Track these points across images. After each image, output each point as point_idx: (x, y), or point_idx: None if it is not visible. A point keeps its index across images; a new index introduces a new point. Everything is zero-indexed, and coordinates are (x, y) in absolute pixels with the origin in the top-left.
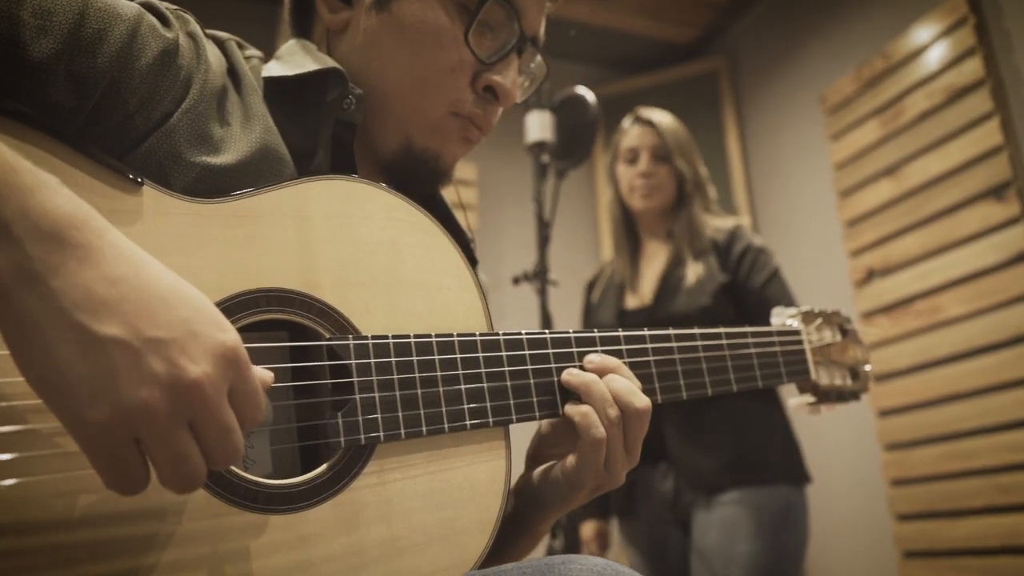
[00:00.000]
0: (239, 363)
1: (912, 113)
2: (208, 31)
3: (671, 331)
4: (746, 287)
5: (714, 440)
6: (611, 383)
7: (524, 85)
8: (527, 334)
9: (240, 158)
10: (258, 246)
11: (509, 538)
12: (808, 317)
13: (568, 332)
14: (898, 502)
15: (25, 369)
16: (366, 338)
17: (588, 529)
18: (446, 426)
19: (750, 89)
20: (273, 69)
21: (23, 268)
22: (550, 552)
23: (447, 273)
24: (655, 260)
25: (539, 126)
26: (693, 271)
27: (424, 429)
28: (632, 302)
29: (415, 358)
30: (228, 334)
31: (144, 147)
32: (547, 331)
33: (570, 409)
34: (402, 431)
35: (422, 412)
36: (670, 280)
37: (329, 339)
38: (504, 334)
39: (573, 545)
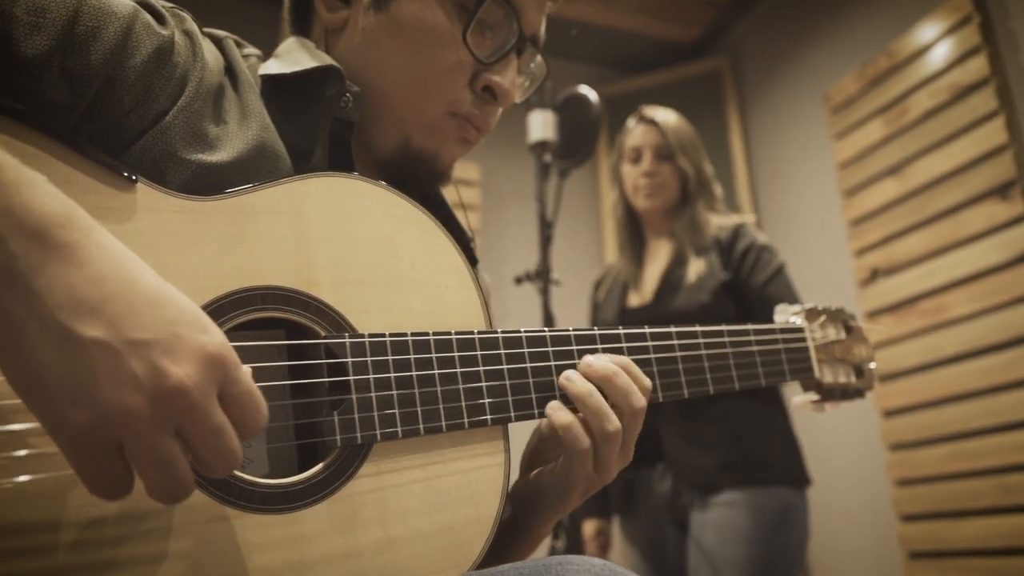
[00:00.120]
0: (226, 365)
1: (916, 112)
2: (206, 29)
3: (672, 329)
4: (748, 285)
5: (711, 439)
6: (616, 379)
7: (524, 85)
8: (526, 332)
9: (236, 155)
10: (254, 243)
11: (508, 541)
12: (812, 314)
13: (568, 330)
14: (903, 502)
15: (5, 370)
16: (363, 336)
17: (589, 528)
18: (444, 425)
19: (753, 88)
20: (271, 67)
21: (5, 267)
22: (552, 552)
23: (446, 271)
24: (658, 258)
25: (542, 125)
26: (694, 269)
27: (421, 428)
28: (634, 300)
29: (412, 356)
30: (213, 336)
31: (139, 145)
32: (546, 329)
33: (554, 417)
34: (399, 430)
35: (419, 411)
36: (671, 278)
37: (325, 337)
38: (503, 332)
39: (575, 545)
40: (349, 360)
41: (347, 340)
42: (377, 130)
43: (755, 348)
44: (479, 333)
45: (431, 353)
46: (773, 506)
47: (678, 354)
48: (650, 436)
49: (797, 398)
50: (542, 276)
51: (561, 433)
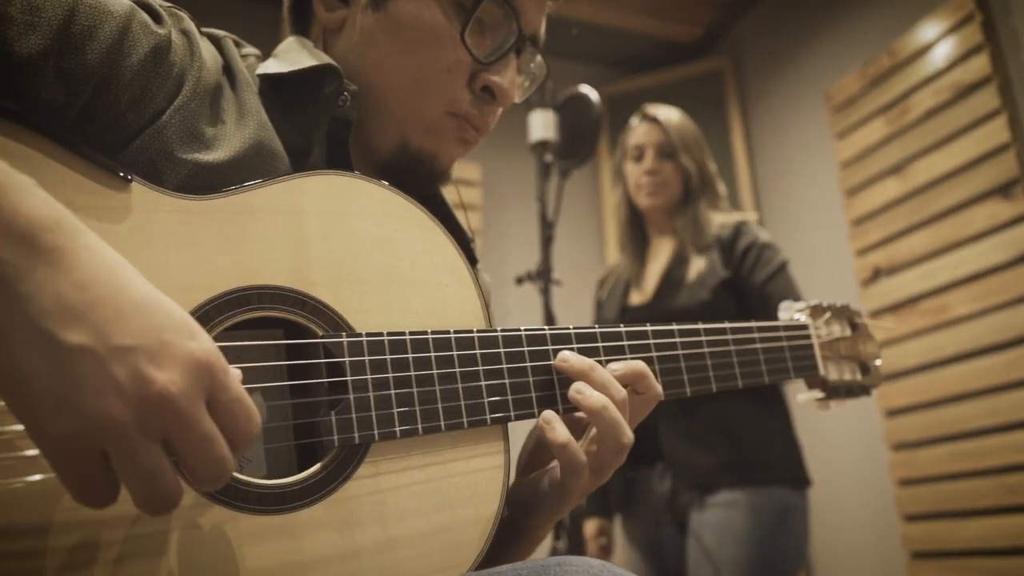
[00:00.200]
0: (214, 371)
1: (918, 111)
2: (204, 29)
3: (674, 327)
4: (748, 283)
5: (710, 438)
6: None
7: (524, 85)
8: (526, 331)
9: (233, 155)
10: (250, 242)
11: (507, 541)
12: (817, 311)
13: (568, 328)
14: (905, 502)
15: None
16: (360, 336)
17: (590, 527)
18: (442, 424)
19: (755, 88)
20: (270, 67)
21: None
22: (553, 552)
23: (444, 270)
24: (660, 257)
25: (542, 125)
26: (695, 267)
27: (420, 427)
28: (635, 299)
29: (410, 355)
30: (201, 342)
31: (136, 144)
32: (546, 327)
33: (550, 436)
34: (397, 430)
35: (417, 410)
36: (672, 276)
37: (322, 337)
38: (502, 331)
39: (576, 546)
40: (346, 360)
41: (344, 339)
42: (375, 130)
43: (759, 345)
44: (478, 332)
45: (429, 352)
46: (772, 506)
47: (680, 352)
48: (649, 435)
49: (802, 396)
50: (543, 276)
51: (557, 451)
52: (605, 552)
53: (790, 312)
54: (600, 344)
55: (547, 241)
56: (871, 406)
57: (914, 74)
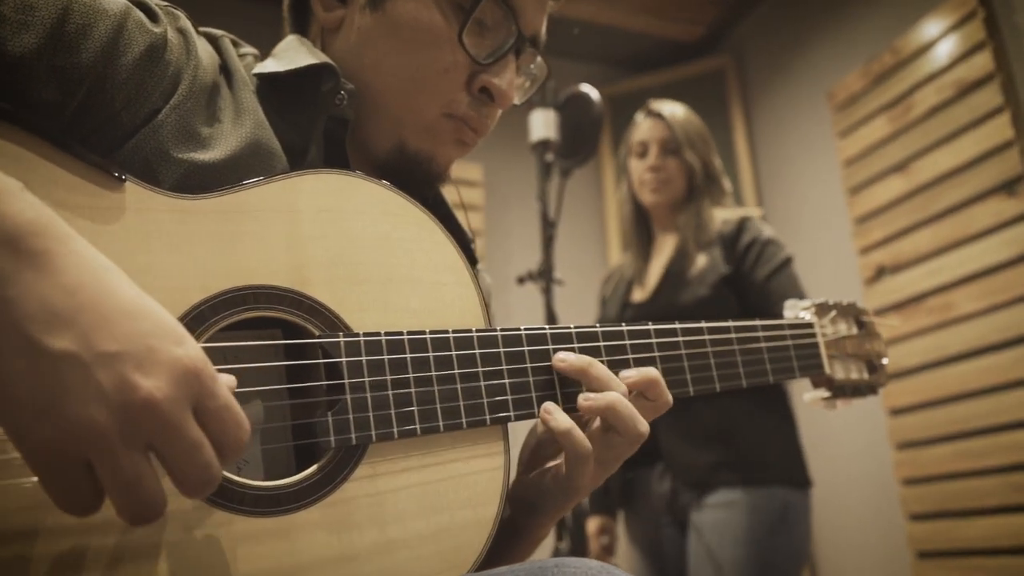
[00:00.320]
0: (201, 378)
1: (921, 109)
2: (202, 28)
3: (677, 325)
4: (750, 279)
5: (708, 437)
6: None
7: (524, 86)
8: (526, 330)
9: (229, 154)
10: (246, 242)
11: (507, 542)
12: (822, 309)
13: (569, 327)
14: (910, 502)
15: None
16: (357, 335)
17: (592, 525)
18: (441, 425)
19: (757, 87)
20: (267, 66)
21: None
22: (556, 553)
23: (443, 269)
24: (663, 253)
25: (543, 125)
26: (696, 263)
27: (418, 428)
28: (637, 295)
29: (408, 355)
30: (187, 348)
31: (131, 144)
32: (547, 326)
33: (552, 423)
34: (395, 430)
35: (416, 411)
36: (673, 272)
37: (318, 337)
38: (502, 330)
39: (579, 547)
40: (343, 360)
41: (341, 339)
42: (373, 130)
43: (763, 344)
44: (477, 331)
45: (428, 352)
46: (771, 506)
47: (683, 351)
48: (649, 435)
49: (807, 395)
50: (544, 276)
51: (560, 439)
52: (607, 551)
53: (795, 310)
54: (601, 343)
55: (548, 241)
56: (875, 405)
57: (917, 72)
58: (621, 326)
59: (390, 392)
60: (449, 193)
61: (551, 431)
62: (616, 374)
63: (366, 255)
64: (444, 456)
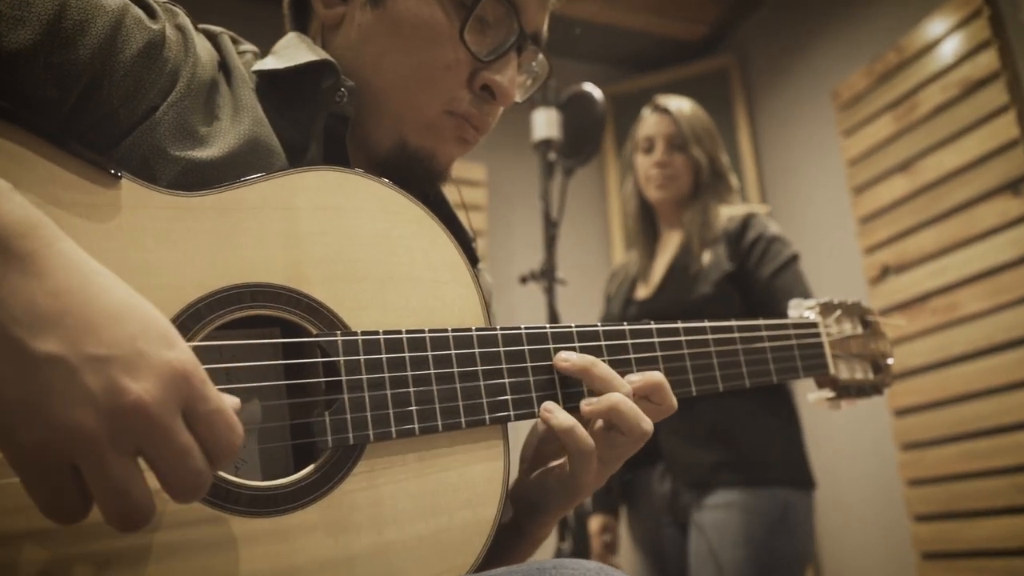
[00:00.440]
0: (191, 382)
1: (926, 107)
2: (201, 25)
3: (679, 324)
4: (754, 277)
5: (708, 436)
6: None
7: (526, 84)
8: (526, 329)
9: (227, 151)
10: (243, 239)
11: (506, 543)
12: (827, 309)
13: (570, 327)
14: (915, 503)
15: None
16: (355, 334)
17: (595, 524)
18: (440, 424)
19: (761, 86)
20: (267, 63)
21: None
22: (558, 554)
23: (443, 267)
24: (668, 250)
25: (545, 124)
26: (699, 261)
27: (416, 427)
28: (641, 292)
29: (407, 355)
30: (177, 352)
31: (128, 141)
32: (547, 325)
33: (553, 422)
34: (393, 430)
35: (414, 410)
36: (676, 269)
37: (316, 336)
38: (502, 329)
39: (582, 548)
40: (341, 359)
41: (339, 338)
42: (374, 128)
43: (767, 344)
44: (477, 330)
45: (427, 351)
46: (772, 507)
47: (686, 351)
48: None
49: (812, 395)
50: (547, 275)
51: (563, 437)
52: (610, 549)
53: (799, 310)
54: (603, 343)
55: (551, 240)
56: (880, 405)
57: (921, 70)
58: (623, 325)
59: (388, 391)
60: (450, 192)
61: (553, 429)
62: (620, 375)
63: (365, 253)
64: (443, 456)
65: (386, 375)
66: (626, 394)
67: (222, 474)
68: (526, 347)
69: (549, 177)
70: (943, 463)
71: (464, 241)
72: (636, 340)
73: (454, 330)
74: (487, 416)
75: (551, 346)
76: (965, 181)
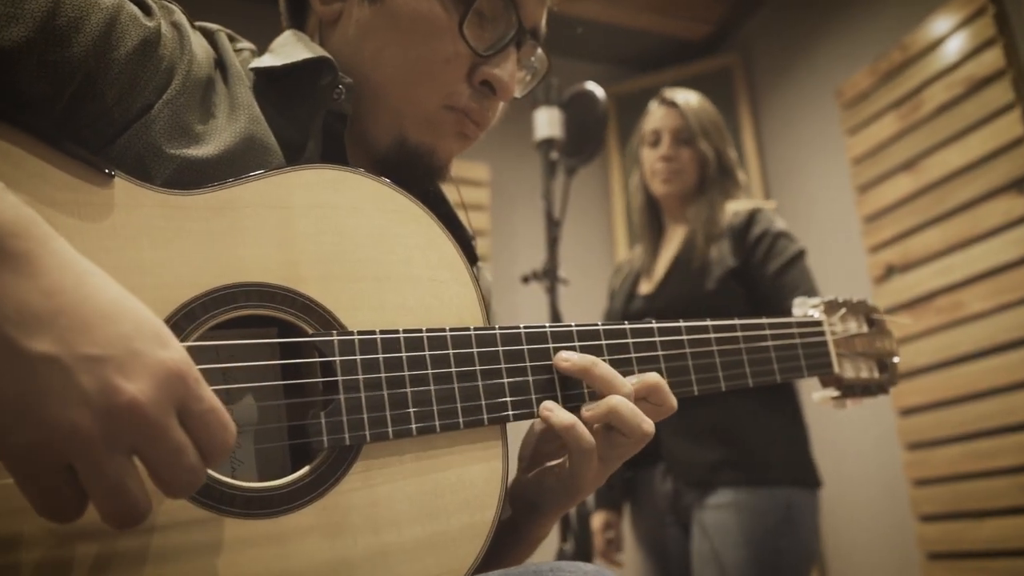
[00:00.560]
0: (186, 381)
1: (931, 106)
2: (198, 23)
3: (681, 324)
4: (760, 273)
5: (709, 435)
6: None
7: (525, 79)
8: (525, 328)
9: (223, 149)
10: (238, 238)
11: (505, 543)
12: (831, 307)
13: (570, 326)
14: (921, 503)
15: None
16: (351, 334)
17: (597, 520)
18: (437, 424)
19: (765, 85)
20: (264, 60)
21: None
22: (560, 555)
23: (440, 265)
24: (672, 245)
25: (548, 123)
26: (702, 256)
27: (414, 428)
28: (644, 288)
29: (404, 355)
30: (171, 351)
31: (123, 139)
32: (546, 324)
33: (553, 420)
34: (390, 430)
35: (411, 411)
36: (679, 265)
37: (311, 336)
38: (500, 328)
39: (584, 548)
40: (337, 359)
41: (335, 338)
42: (372, 124)
43: (770, 343)
44: (475, 330)
45: (424, 351)
46: (774, 507)
47: (688, 350)
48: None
49: (816, 394)
50: (549, 275)
51: (563, 435)
52: (613, 546)
53: (804, 308)
54: (603, 342)
55: (553, 240)
56: (885, 405)
57: (926, 69)
58: (623, 324)
59: (385, 392)
60: (450, 191)
61: (553, 427)
62: (622, 375)
63: (361, 252)
64: (441, 457)
65: (383, 375)
66: (627, 395)
67: (217, 475)
68: (525, 347)
69: (551, 176)
70: (948, 463)
71: (463, 240)
72: (637, 339)
73: (452, 329)
74: (485, 416)
75: (550, 345)
76: (970, 179)
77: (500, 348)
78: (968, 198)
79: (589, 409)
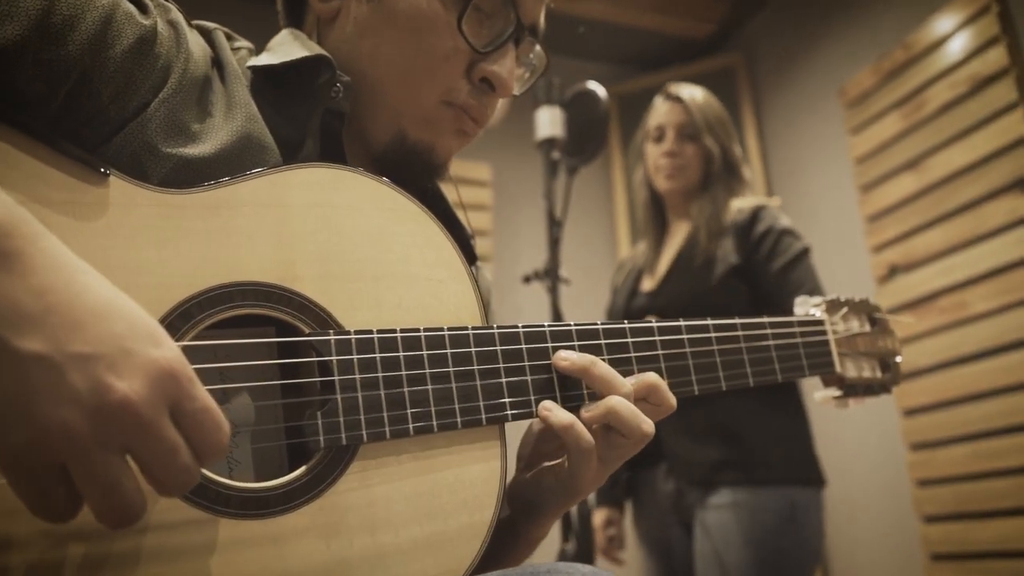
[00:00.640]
0: (179, 380)
1: (934, 105)
2: (195, 22)
3: (682, 323)
4: (764, 270)
5: (710, 433)
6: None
7: (523, 77)
8: (524, 328)
9: (219, 148)
10: (234, 238)
11: (504, 543)
12: (833, 306)
13: (570, 325)
14: (924, 503)
15: None
16: (348, 333)
17: (598, 517)
18: (435, 425)
19: (768, 84)
20: (262, 59)
21: None
22: (561, 555)
23: (438, 264)
24: (675, 242)
25: (549, 122)
26: (704, 253)
27: (411, 428)
28: (646, 285)
29: (401, 354)
30: (164, 350)
31: (119, 138)
32: (545, 324)
33: (552, 420)
34: (387, 430)
35: (408, 411)
36: (681, 262)
37: (308, 335)
38: (499, 328)
39: (586, 549)
40: (333, 359)
41: (332, 337)
42: (371, 122)
43: (771, 342)
44: (473, 329)
45: (422, 351)
46: (778, 507)
47: (688, 350)
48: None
49: (818, 394)
50: (550, 275)
51: (562, 434)
52: (614, 544)
53: (805, 307)
54: (603, 342)
55: (554, 239)
56: (888, 405)
57: (929, 67)
58: (623, 324)
59: (382, 391)
60: (449, 191)
61: (552, 427)
62: (621, 375)
63: (359, 251)
64: (438, 457)
65: (380, 375)
66: (626, 395)
67: (213, 476)
68: (524, 346)
69: (553, 176)
70: (952, 463)
71: (462, 239)
72: (637, 339)
73: (450, 329)
74: (483, 416)
75: (549, 345)
76: (974, 179)
77: (498, 348)
78: (972, 197)
79: (588, 410)
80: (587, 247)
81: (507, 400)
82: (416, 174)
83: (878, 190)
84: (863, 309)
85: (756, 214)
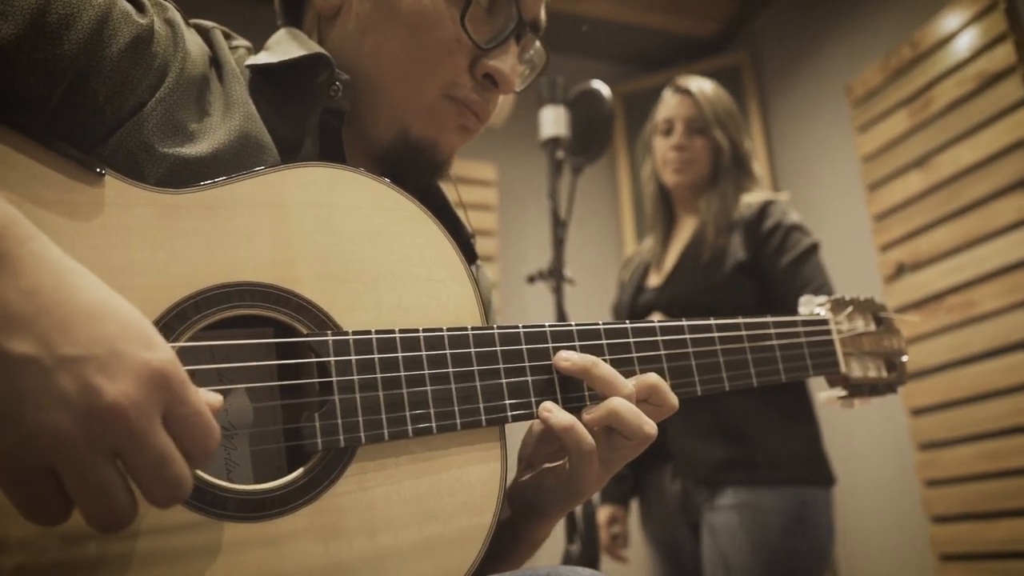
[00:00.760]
0: (171, 384)
1: (942, 102)
2: (193, 20)
3: (684, 322)
4: (772, 267)
5: (716, 433)
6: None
7: (524, 74)
8: (524, 328)
9: (217, 147)
10: (231, 238)
11: (504, 544)
12: (838, 305)
13: (571, 325)
14: (933, 503)
15: None
16: (346, 334)
17: (602, 515)
18: (434, 426)
19: (774, 83)
20: (260, 58)
21: None
22: (566, 556)
23: (437, 264)
24: (683, 237)
25: (553, 122)
26: (711, 249)
27: (410, 429)
28: (653, 280)
29: (400, 355)
30: (157, 352)
31: (115, 138)
32: (546, 324)
33: (553, 421)
34: (385, 432)
35: (407, 413)
36: (688, 257)
37: (305, 336)
38: (499, 328)
39: (591, 550)
40: (331, 359)
41: (330, 338)
42: (372, 120)
43: (775, 342)
44: (473, 330)
45: (421, 351)
46: (786, 507)
47: (691, 349)
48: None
49: (823, 394)
50: (555, 274)
51: (563, 436)
52: (618, 542)
53: (810, 306)
54: (604, 342)
55: (559, 239)
56: (896, 405)
57: (937, 65)
58: (625, 324)
59: (380, 392)
60: (449, 190)
61: (553, 429)
62: (623, 375)
63: (357, 251)
64: (437, 459)
65: (378, 376)
66: (628, 396)
67: (210, 478)
68: (524, 347)
69: (557, 175)
70: (961, 463)
71: (462, 238)
72: (639, 339)
73: (449, 329)
74: (483, 418)
75: (550, 345)
76: (981, 177)
77: (498, 348)
78: (979, 196)
79: (589, 412)
80: (592, 247)
81: (507, 401)
82: (419, 172)
83: (885, 188)
84: (868, 308)
85: (764, 209)
